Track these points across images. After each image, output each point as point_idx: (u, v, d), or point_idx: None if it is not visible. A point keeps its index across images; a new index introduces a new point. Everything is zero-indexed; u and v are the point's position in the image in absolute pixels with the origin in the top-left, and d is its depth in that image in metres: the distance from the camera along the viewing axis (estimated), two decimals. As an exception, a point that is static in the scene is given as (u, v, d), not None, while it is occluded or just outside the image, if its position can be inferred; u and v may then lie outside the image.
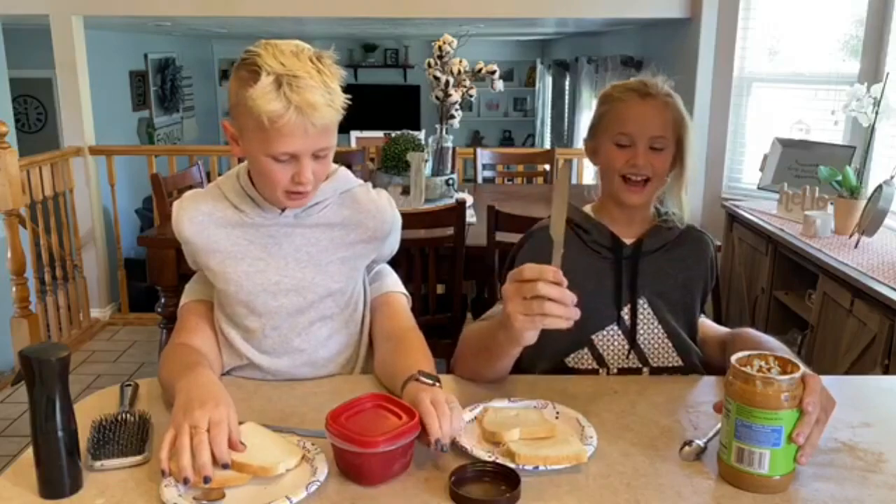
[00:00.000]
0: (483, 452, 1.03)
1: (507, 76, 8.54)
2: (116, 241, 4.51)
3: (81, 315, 4.24)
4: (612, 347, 1.39)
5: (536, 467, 1.00)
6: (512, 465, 0.99)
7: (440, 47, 3.10)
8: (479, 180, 4.06)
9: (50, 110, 6.71)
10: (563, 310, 1.03)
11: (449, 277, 2.60)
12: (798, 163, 3.30)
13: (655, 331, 1.40)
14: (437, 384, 1.10)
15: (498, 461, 1.00)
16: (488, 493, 0.96)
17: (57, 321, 3.99)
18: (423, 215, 2.50)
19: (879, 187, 2.59)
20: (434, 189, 3.08)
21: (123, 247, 4.59)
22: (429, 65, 3.14)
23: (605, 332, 1.39)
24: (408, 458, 1.01)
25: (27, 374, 0.92)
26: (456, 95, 3.12)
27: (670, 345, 1.39)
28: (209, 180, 3.65)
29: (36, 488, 0.95)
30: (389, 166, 3.13)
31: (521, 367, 1.28)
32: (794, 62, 3.81)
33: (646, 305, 1.40)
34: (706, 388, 1.32)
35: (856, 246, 2.63)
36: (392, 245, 1.43)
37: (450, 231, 2.48)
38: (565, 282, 1.04)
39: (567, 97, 7.79)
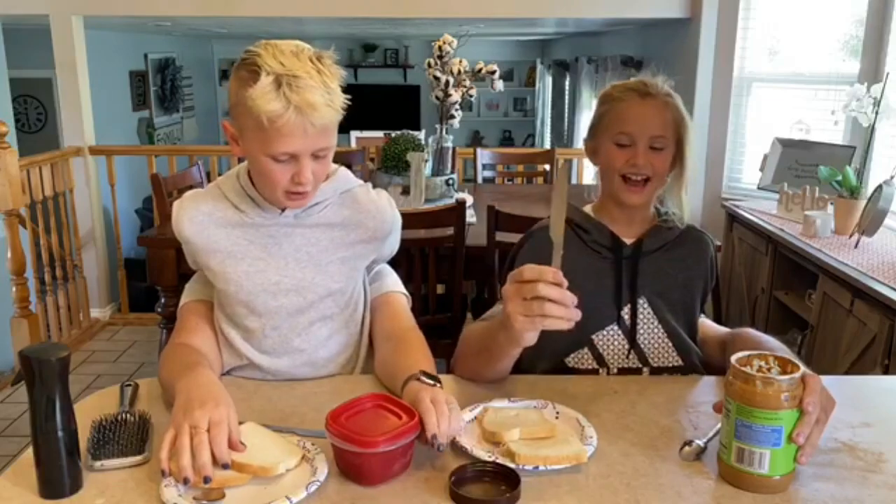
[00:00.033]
0: (483, 452, 1.03)
1: (507, 76, 8.54)
2: (116, 241, 4.51)
3: (81, 315, 4.24)
4: (612, 347, 1.39)
5: (536, 467, 1.00)
6: (512, 465, 0.99)
7: (440, 47, 3.10)
8: (479, 180, 4.06)
9: (50, 110, 6.71)
10: (563, 311, 1.03)
11: (449, 277, 2.60)
12: (798, 163, 3.30)
13: (655, 330, 1.40)
14: (438, 385, 1.10)
15: (498, 461, 1.01)
16: (488, 493, 0.96)
17: (57, 321, 3.99)
18: (423, 215, 2.50)
19: (879, 187, 2.59)
20: (434, 189, 3.08)
21: (123, 247, 4.59)
22: (429, 65, 3.14)
23: (605, 332, 1.39)
24: (408, 458, 1.01)
25: (27, 374, 0.92)
26: (456, 95, 3.12)
27: (670, 345, 1.39)
28: (209, 180, 3.65)
29: (36, 488, 0.95)
30: (389, 166, 3.13)
31: (521, 367, 1.28)
32: (794, 62, 3.81)
33: (646, 305, 1.40)
34: (706, 388, 1.32)
35: (856, 246, 2.63)
36: (392, 245, 1.43)
37: (450, 231, 2.48)
38: (565, 283, 1.04)
39: (567, 97, 7.79)
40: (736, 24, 3.89)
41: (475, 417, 1.14)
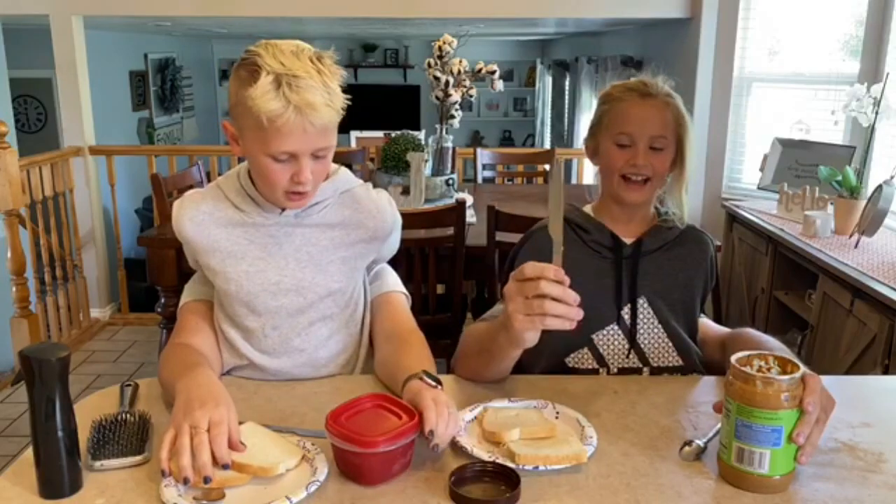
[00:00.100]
0: (483, 452, 1.03)
1: (507, 76, 8.54)
2: (116, 241, 4.51)
3: (81, 315, 4.24)
4: (612, 347, 1.39)
5: (536, 467, 1.00)
6: (512, 465, 0.99)
7: (440, 47, 3.10)
8: (479, 180, 4.06)
9: (50, 110, 6.72)
10: (564, 309, 1.02)
11: (449, 277, 2.60)
12: (798, 163, 3.30)
13: (655, 330, 1.40)
14: (439, 387, 1.10)
15: (498, 461, 1.01)
16: (488, 493, 0.96)
17: (57, 321, 3.99)
18: (423, 215, 2.50)
19: (879, 187, 2.59)
20: (434, 189, 3.08)
21: (123, 247, 4.59)
22: (429, 65, 3.14)
23: (605, 332, 1.39)
24: (408, 458, 1.01)
25: (27, 374, 0.92)
26: (456, 95, 3.12)
27: (670, 344, 1.40)
28: (209, 180, 3.65)
29: (36, 488, 0.95)
30: (389, 166, 3.13)
31: (521, 367, 1.28)
32: (794, 62, 3.81)
33: (646, 305, 1.40)
34: (706, 388, 1.32)
35: (856, 246, 2.63)
36: (392, 245, 1.43)
37: (450, 231, 2.48)
38: (567, 280, 1.03)
39: (567, 97, 7.79)
40: (736, 24, 3.89)
41: (475, 417, 1.14)
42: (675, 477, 1.01)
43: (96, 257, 4.38)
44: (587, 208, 1.48)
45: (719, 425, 1.07)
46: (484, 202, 2.78)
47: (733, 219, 3.42)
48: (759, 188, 3.48)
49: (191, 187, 3.34)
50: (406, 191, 3.01)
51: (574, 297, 1.03)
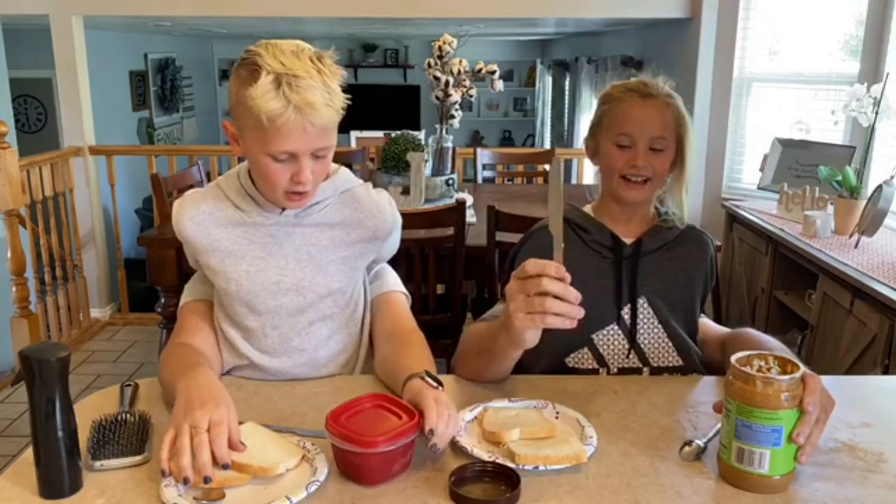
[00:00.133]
0: (483, 452, 1.03)
1: (507, 76, 8.54)
2: (116, 241, 4.51)
3: (81, 315, 4.24)
4: (612, 347, 1.39)
5: (536, 467, 1.00)
6: (512, 465, 0.99)
7: (440, 47, 3.10)
8: (479, 180, 4.06)
9: (50, 110, 6.72)
10: (565, 307, 1.01)
11: (449, 277, 2.60)
12: (798, 163, 3.30)
13: (655, 330, 1.40)
14: (440, 387, 1.10)
15: (498, 461, 1.00)
16: (488, 493, 0.96)
17: (57, 321, 3.99)
18: (423, 215, 2.50)
19: (879, 187, 2.59)
20: (434, 189, 3.08)
21: (123, 247, 4.59)
22: (429, 65, 3.14)
23: (605, 332, 1.39)
24: (408, 458, 1.01)
25: (27, 374, 0.92)
26: (456, 95, 3.12)
27: (670, 344, 1.40)
28: (209, 180, 3.65)
29: (36, 488, 0.95)
30: (389, 166, 3.13)
31: (521, 367, 1.28)
32: (794, 62, 3.81)
33: (646, 305, 1.40)
34: (706, 388, 1.32)
35: (856, 246, 2.63)
36: (392, 245, 1.43)
37: (450, 231, 2.48)
38: (568, 277, 1.02)
39: (567, 97, 7.79)
40: (736, 24, 3.89)
41: (475, 417, 1.14)
42: (675, 477, 1.01)
43: (96, 257, 4.38)
44: (587, 208, 1.48)
45: (719, 425, 1.07)
46: (484, 202, 2.78)
47: (733, 219, 3.42)
48: (759, 188, 3.48)
49: (191, 187, 3.34)
50: (406, 191, 3.01)
51: (576, 295, 1.02)
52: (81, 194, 4.28)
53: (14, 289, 3.58)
